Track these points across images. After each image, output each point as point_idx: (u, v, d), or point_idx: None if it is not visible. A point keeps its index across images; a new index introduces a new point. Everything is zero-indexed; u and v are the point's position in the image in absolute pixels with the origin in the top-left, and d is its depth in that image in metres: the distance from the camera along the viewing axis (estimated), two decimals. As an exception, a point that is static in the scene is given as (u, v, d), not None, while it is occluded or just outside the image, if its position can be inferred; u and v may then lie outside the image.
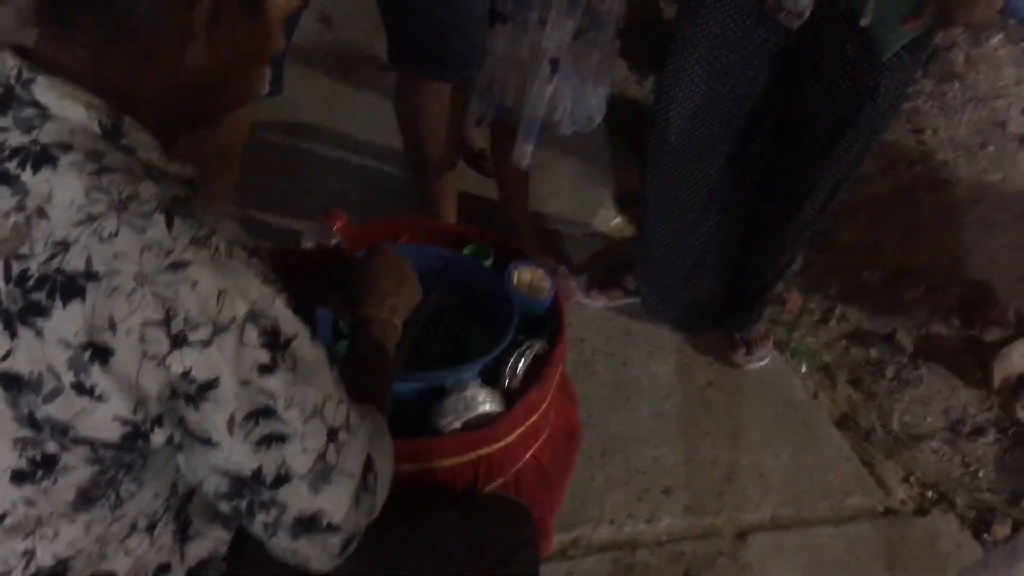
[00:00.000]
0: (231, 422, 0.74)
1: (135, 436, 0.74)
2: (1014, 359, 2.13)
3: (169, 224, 0.71)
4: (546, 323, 1.43)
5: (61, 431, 0.73)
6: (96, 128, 0.74)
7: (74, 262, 0.69)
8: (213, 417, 0.73)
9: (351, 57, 2.76)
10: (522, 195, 2.13)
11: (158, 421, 0.73)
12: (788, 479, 1.83)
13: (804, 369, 2.14)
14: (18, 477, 0.75)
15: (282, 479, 0.78)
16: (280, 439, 0.76)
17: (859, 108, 1.67)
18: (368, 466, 0.85)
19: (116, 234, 0.70)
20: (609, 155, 2.61)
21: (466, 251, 1.52)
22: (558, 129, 1.91)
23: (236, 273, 0.73)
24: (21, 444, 0.74)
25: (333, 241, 1.44)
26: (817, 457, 1.89)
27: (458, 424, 1.23)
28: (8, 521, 0.77)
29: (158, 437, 0.74)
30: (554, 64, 1.77)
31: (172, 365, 0.71)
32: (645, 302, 2.12)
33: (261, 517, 0.79)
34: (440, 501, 1.24)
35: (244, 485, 0.77)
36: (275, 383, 0.75)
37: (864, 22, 1.53)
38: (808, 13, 1.52)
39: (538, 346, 1.35)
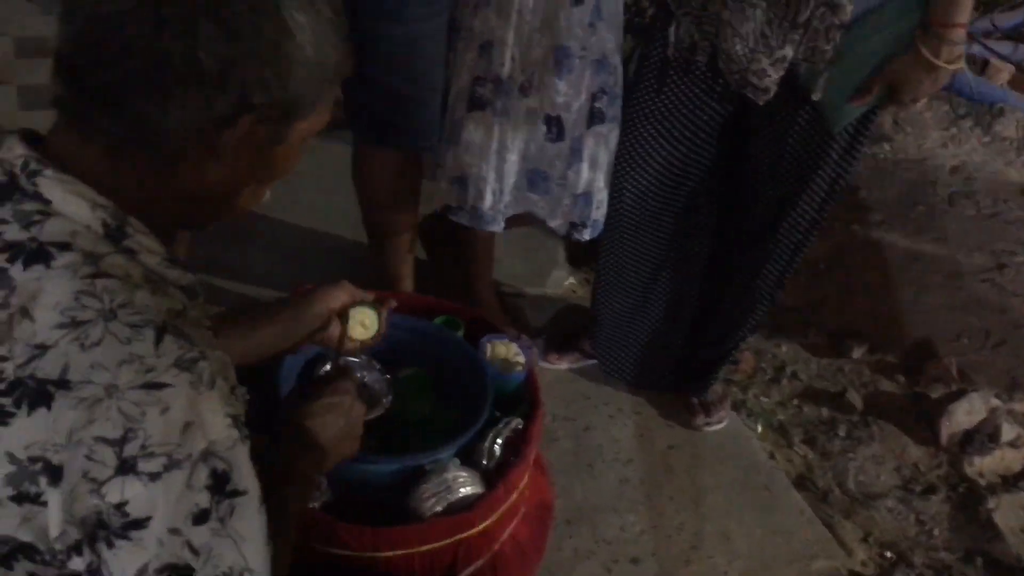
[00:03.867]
0: (142, 571, 0.67)
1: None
2: (959, 416, 2.19)
3: (158, 341, 0.67)
4: (519, 398, 1.41)
5: (3, 551, 0.67)
6: (99, 228, 0.70)
7: (48, 368, 0.65)
8: (124, 562, 0.66)
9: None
10: (487, 263, 2.10)
11: (76, 549, 0.67)
12: (753, 544, 1.83)
13: (760, 429, 2.16)
14: None
15: None
16: None
17: (809, 179, 1.72)
18: None
19: (99, 343, 0.65)
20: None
21: (436, 322, 1.49)
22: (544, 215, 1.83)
23: (209, 407, 0.68)
24: None
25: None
26: (780, 520, 1.89)
27: (439, 508, 1.19)
28: None
29: (76, 564, 0.67)
30: (554, 125, 1.70)
31: (108, 493, 0.65)
32: (603, 363, 2.12)
33: None
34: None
35: None
36: (203, 534, 0.68)
37: (816, 96, 1.58)
38: (774, 89, 1.56)
39: (515, 423, 1.32)
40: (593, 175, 1.74)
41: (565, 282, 2.46)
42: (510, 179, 1.72)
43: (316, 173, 2.51)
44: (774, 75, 1.54)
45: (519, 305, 2.32)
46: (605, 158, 1.74)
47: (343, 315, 1.18)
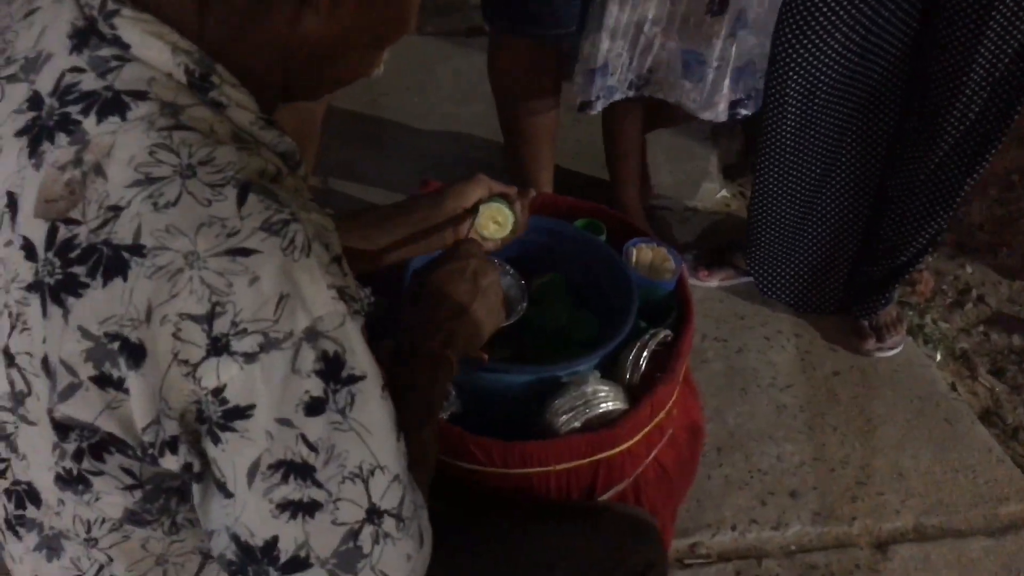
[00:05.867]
0: (254, 468, 0.58)
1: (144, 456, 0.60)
2: None
3: (241, 200, 0.56)
4: (668, 308, 1.26)
5: (90, 440, 0.60)
6: (182, 75, 0.60)
7: (122, 232, 0.56)
8: (234, 457, 0.58)
9: (447, 14, 2.64)
10: (633, 166, 1.94)
11: (170, 446, 0.58)
12: (931, 483, 1.63)
13: (939, 358, 1.93)
14: (61, 480, 0.63)
15: (298, 564, 0.61)
16: (309, 509, 0.60)
17: (1004, 62, 1.47)
18: None
19: (175, 203, 0.56)
20: (711, 123, 2.41)
21: (576, 224, 1.36)
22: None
23: (306, 277, 0.57)
24: (59, 452, 0.62)
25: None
26: (963, 457, 1.68)
27: (577, 423, 1.08)
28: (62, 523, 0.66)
29: (170, 463, 0.59)
30: None
31: (203, 377, 0.56)
32: (759, 281, 1.94)
33: None
34: (555, 512, 1.09)
35: (251, 559, 0.60)
36: (319, 427, 0.58)
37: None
38: None
39: (663, 334, 1.18)
40: (759, 40, 1.55)
41: (717, 195, 2.26)
42: (655, 58, 1.55)
43: (451, 81, 2.44)
44: None
45: (666, 219, 2.15)
46: (772, 19, 1.55)
47: (475, 210, 1.06)
